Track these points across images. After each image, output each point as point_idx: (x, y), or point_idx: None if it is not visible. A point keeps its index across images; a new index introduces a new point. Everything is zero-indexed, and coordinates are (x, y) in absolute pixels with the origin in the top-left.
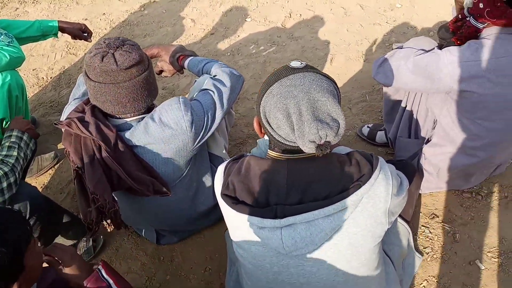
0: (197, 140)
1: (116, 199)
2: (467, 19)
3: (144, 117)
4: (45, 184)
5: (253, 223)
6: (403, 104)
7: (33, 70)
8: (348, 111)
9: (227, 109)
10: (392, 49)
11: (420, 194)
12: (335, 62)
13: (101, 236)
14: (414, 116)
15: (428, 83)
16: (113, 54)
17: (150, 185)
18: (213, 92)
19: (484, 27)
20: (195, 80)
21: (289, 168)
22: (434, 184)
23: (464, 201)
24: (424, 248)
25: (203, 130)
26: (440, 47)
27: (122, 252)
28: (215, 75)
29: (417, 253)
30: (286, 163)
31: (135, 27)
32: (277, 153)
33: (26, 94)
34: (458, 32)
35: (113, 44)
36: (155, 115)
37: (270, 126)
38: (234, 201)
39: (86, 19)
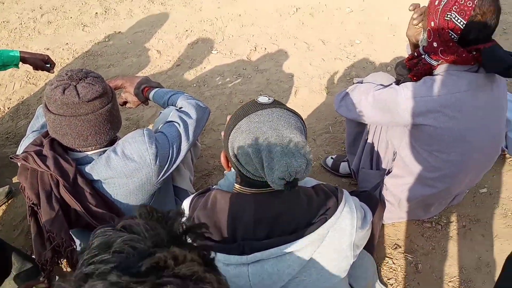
0: (162, 174)
1: (74, 237)
2: (422, 56)
3: (106, 150)
4: None
5: (219, 259)
6: (364, 136)
7: None
8: (312, 142)
9: (193, 141)
10: (353, 83)
11: (383, 225)
12: (299, 95)
13: (56, 277)
14: (375, 148)
15: (387, 117)
16: (75, 86)
17: (110, 222)
18: (178, 124)
19: (438, 64)
20: (160, 112)
21: (256, 202)
22: (396, 214)
23: (425, 231)
24: (388, 279)
25: (168, 163)
26: (398, 82)
27: None
28: (181, 107)
29: (381, 285)
30: (253, 197)
31: (99, 57)
32: (244, 187)
33: None
34: (414, 68)
35: (76, 76)
36: (118, 148)
37: (238, 161)
38: None
39: (48, 49)
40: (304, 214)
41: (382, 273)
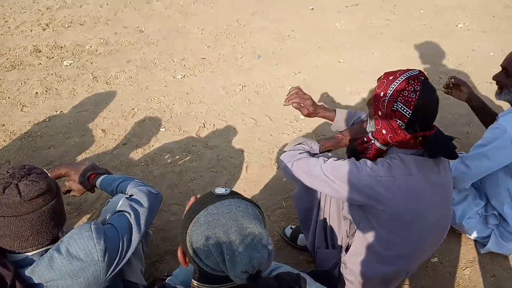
0: (110, 271)
1: None
2: (372, 142)
3: (48, 249)
4: None
5: None
6: (315, 215)
7: None
8: (267, 218)
9: (145, 231)
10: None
11: None
12: (250, 170)
13: None
14: (328, 226)
15: (343, 189)
16: (16, 184)
17: None
18: (129, 214)
19: (387, 148)
20: (108, 200)
21: None
22: None
23: None
24: None
25: (117, 259)
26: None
27: None
28: (131, 195)
29: None
30: None
31: (38, 138)
32: (203, 284)
33: None
34: (365, 152)
35: (18, 173)
36: (62, 246)
37: (197, 256)
38: None
39: None
40: None
41: None
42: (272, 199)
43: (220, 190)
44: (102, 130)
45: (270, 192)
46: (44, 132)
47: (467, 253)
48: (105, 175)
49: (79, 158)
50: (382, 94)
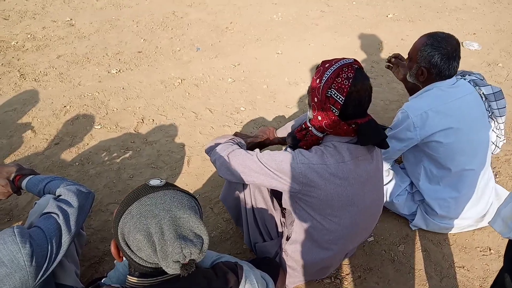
0: (40, 275)
1: None
2: (310, 128)
3: None
4: None
5: None
6: (244, 213)
7: None
8: (210, 211)
9: (76, 232)
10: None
11: None
12: (192, 164)
13: None
14: (259, 220)
15: (280, 177)
16: None
17: None
18: (57, 215)
19: (323, 136)
20: (35, 202)
21: None
22: (298, 278)
23: (326, 286)
24: None
25: (46, 262)
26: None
27: None
28: (60, 195)
29: None
30: None
31: None
32: (138, 279)
33: None
34: (303, 139)
35: None
36: None
37: (130, 248)
38: None
39: None
40: None
41: None
42: (214, 191)
43: (154, 182)
44: (32, 130)
45: (213, 185)
46: None
47: (401, 230)
48: (31, 176)
49: (7, 161)
50: (318, 81)
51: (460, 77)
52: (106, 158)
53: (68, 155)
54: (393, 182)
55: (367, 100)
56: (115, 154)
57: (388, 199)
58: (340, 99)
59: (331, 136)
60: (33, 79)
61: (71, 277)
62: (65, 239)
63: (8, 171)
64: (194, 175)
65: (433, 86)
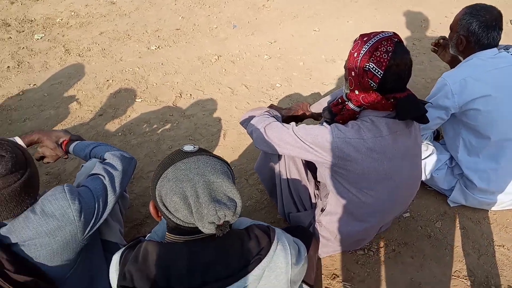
0: (88, 230)
1: None
2: (346, 103)
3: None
4: None
5: None
6: (278, 183)
7: None
8: (245, 182)
9: (120, 193)
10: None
11: (319, 257)
12: (227, 137)
13: None
14: (293, 191)
15: (315, 150)
16: None
17: (33, 286)
18: (103, 176)
19: (360, 110)
20: (82, 165)
21: (189, 250)
22: (332, 248)
23: (359, 258)
24: None
25: (94, 218)
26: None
27: None
28: (105, 159)
29: None
30: (185, 245)
31: (13, 111)
32: (176, 236)
33: None
34: (340, 113)
35: None
36: (37, 207)
37: (167, 209)
38: None
39: None
40: (239, 257)
41: None
42: (249, 164)
43: (188, 148)
44: (77, 102)
45: (248, 158)
46: (18, 105)
47: (438, 207)
48: (78, 141)
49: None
50: (356, 54)
51: (503, 50)
52: (147, 130)
53: (111, 126)
54: (432, 156)
55: (406, 74)
56: (155, 126)
57: (427, 173)
58: (379, 73)
59: (368, 111)
60: (77, 54)
61: (115, 234)
62: (111, 199)
63: (57, 135)
64: (230, 147)
65: (473, 56)
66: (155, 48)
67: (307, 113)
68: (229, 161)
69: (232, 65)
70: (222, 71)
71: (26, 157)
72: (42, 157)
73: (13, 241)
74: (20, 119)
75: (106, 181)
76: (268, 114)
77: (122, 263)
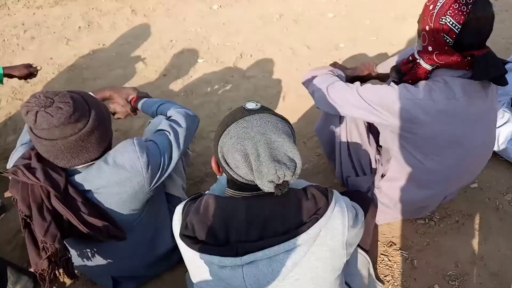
0: (154, 182)
1: (68, 247)
2: (418, 61)
3: (95, 163)
4: None
5: (213, 262)
6: (338, 145)
7: None
8: (303, 145)
9: (184, 150)
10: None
11: (376, 224)
12: (287, 99)
13: (54, 287)
14: (353, 154)
15: (380, 112)
16: (44, 111)
17: (104, 231)
18: (169, 132)
19: (433, 69)
20: (149, 122)
21: (248, 205)
22: (391, 215)
23: (419, 227)
24: (384, 276)
25: (159, 171)
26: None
27: None
28: (170, 116)
29: (378, 282)
30: (244, 200)
31: (84, 70)
32: (236, 191)
33: None
34: (409, 72)
35: (44, 101)
36: (109, 158)
37: (229, 166)
38: (193, 241)
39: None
40: (296, 215)
41: (378, 270)
42: (308, 127)
43: (250, 105)
44: (143, 62)
45: (307, 121)
46: (89, 64)
47: (510, 179)
48: (146, 98)
49: None
50: (431, 6)
51: None
52: (208, 90)
53: (175, 86)
54: (508, 125)
55: (487, 30)
56: (215, 87)
57: (500, 143)
58: (456, 27)
59: (442, 70)
60: (143, 15)
61: (178, 189)
62: (175, 154)
63: (127, 93)
64: (289, 110)
65: None
66: (217, 8)
67: (373, 74)
68: None
69: (294, 24)
70: (283, 30)
71: (93, 111)
72: (114, 113)
73: (87, 188)
74: (91, 77)
75: (171, 137)
76: (331, 73)
77: (185, 214)
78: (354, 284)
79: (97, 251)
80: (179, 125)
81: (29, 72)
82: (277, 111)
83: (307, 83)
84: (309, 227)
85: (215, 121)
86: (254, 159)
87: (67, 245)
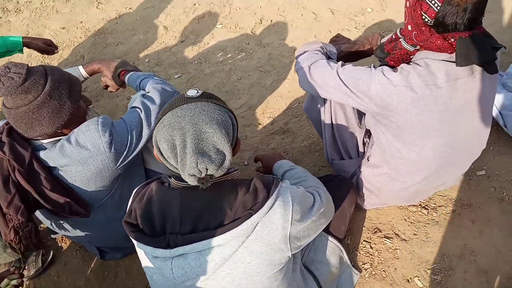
0: (120, 160)
1: (44, 217)
2: (400, 40)
3: (60, 140)
4: None
5: (147, 252)
6: (324, 127)
7: None
8: (306, 120)
9: (154, 127)
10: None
11: (365, 209)
12: None
13: (51, 251)
14: (338, 137)
15: (357, 96)
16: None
17: (66, 206)
18: (140, 110)
19: (415, 50)
20: (131, 96)
21: (183, 196)
22: (378, 201)
23: (410, 215)
24: (363, 264)
25: (126, 150)
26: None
27: (70, 267)
28: (148, 92)
29: (354, 270)
30: (179, 191)
31: (108, 35)
32: (175, 181)
33: None
34: (391, 52)
35: (2, 70)
36: (72, 137)
37: (162, 155)
38: (133, 229)
39: (63, 28)
40: (231, 209)
41: (358, 257)
42: None
43: (191, 93)
44: (164, 27)
45: None
46: (114, 29)
47: None
48: (133, 72)
49: (141, 55)
50: None
51: None
52: (221, 59)
53: (190, 53)
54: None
55: (473, 10)
56: (229, 55)
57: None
58: (436, 5)
59: (425, 52)
60: None
61: (160, 164)
62: (145, 132)
63: (116, 66)
64: (298, 82)
65: None
66: None
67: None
68: (295, 97)
69: None
70: None
71: (47, 84)
72: (107, 86)
73: (51, 165)
74: (114, 43)
75: (142, 115)
76: (318, 50)
77: (133, 199)
78: (319, 272)
79: (73, 223)
80: (153, 102)
81: (45, 49)
82: (285, 82)
83: (298, 59)
84: (241, 223)
85: (223, 92)
86: (180, 150)
87: (43, 216)
